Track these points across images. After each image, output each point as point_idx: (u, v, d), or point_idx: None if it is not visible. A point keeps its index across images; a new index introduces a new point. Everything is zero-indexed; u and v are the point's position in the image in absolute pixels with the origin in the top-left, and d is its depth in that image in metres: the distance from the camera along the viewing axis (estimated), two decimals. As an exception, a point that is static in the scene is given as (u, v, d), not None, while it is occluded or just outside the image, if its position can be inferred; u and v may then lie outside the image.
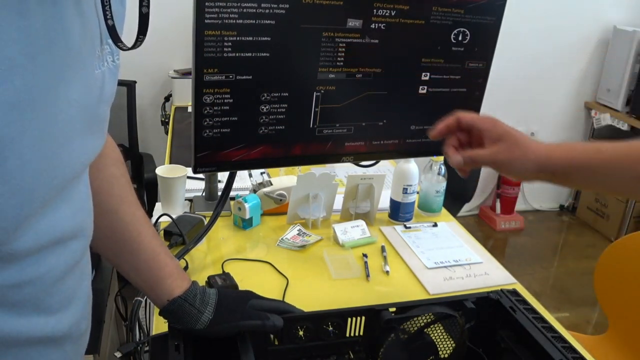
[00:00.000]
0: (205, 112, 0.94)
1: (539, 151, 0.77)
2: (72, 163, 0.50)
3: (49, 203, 0.49)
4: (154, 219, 1.23)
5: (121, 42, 0.53)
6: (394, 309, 0.82)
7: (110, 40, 0.56)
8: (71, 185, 0.54)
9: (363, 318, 0.82)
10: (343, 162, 1.13)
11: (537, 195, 3.50)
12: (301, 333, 0.81)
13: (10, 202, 0.43)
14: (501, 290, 0.90)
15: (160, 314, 0.78)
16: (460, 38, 1.07)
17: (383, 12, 0.98)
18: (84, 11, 0.49)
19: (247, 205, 1.26)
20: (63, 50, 0.46)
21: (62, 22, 0.45)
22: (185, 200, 1.37)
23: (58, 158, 0.47)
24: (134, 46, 0.54)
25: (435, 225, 1.37)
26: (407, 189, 1.33)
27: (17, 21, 0.40)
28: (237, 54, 0.91)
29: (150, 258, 0.78)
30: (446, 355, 0.87)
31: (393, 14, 0.99)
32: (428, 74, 1.09)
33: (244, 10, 0.87)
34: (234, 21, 0.88)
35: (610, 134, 3.27)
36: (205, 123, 0.95)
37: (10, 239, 0.45)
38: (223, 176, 1.30)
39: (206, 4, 0.84)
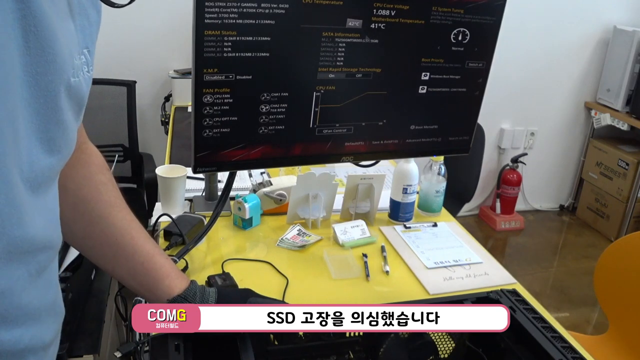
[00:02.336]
0: (205, 112, 0.94)
1: None
2: (32, 165, 0.49)
3: (23, 209, 0.48)
4: (153, 219, 1.23)
5: (111, 2, 0.53)
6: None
7: (85, 51, 0.55)
8: (42, 195, 0.53)
9: (363, 318, 0.82)
10: (343, 162, 1.13)
11: (537, 195, 3.50)
12: (301, 333, 0.81)
13: None
14: (501, 290, 0.90)
15: (160, 314, 0.78)
16: (460, 38, 1.07)
17: (383, 12, 0.98)
18: (57, 18, 0.48)
19: (247, 205, 1.26)
20: (20, 48, 0.44)
21: (25, 20, 0.44)
22: (185, 200, 1.37)
23: (17, 158, 0.46)
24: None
25: (435, 225, 1.37)
26: (407, 189, 1.33)
27: None
28: (237, 54, 0.91)
29: (145, 260, 0.78)
30: (446, 355, 0.87)
31: (393, 14, 0.99)
32: (428, 73, 1.09)
33: (244, 10, 0.87)
34: (234, 21, 0.88)
35: (610, 133, 3.27)
36: (205, 123, 0.95)
37: None
38: (223, 176, 1.30)
39: (206, 4, 0.84)
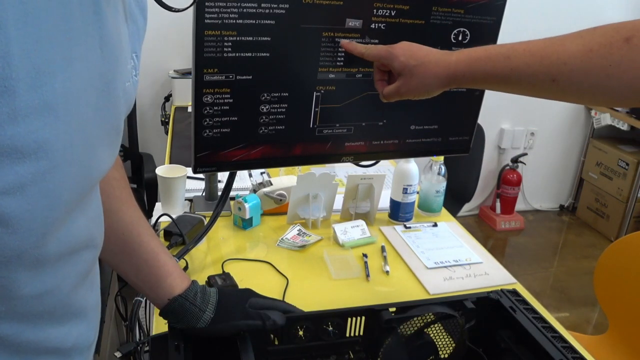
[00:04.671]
0: (205, 112, 0.94)
1: (441, 69, 0.79)
2: (93, 171, 0.50)
3: (71, 210, 0.49)
4: (154, 219, 1.23)
5: (167, 6, 0.54)
6: (394, 309, 0.82)
7: (134, 55, 0.56)
8: (89, 194, 0.53)
9: (363, 318, 0.82)
10: (343, 162, 1.13)
11: (537, 195, 3.50)
12: (301, 333, 0.81)
13: (41, 203, 0.42)
14: (501, 290, 0.90)
15: (160, 314, 0.78)
16: (460, 38, 1.07)
17: (383, 12, 0.98)
18: (118, 25, 0.49)
19: (247, 205, 1.26)
20: (98, 58, 0.46)
21: (101, 30, 0.45)
22: (185, 200, 1.37)
23: (83, 165, 0.47)
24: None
25: (435, 225, 1.37)
26: (407, 189, 1.33)
27: (60, 24, 0.40)
28: (237, 54, 0.91)
29: (150, 258, 0.78)
30: (446, 355, 0.87)
31: (393, 14, 0.99)
32: (428, 74, 1.09)
33: (244, 10, 0.88)
34: (234, 21, 0.88)
35: (610, 133, 3.27)
36: (205, 123, 0.95)
37: (39, 243, 0.45)
38: (223, 176, 1.30)
39: (206, 4, 0.85)
